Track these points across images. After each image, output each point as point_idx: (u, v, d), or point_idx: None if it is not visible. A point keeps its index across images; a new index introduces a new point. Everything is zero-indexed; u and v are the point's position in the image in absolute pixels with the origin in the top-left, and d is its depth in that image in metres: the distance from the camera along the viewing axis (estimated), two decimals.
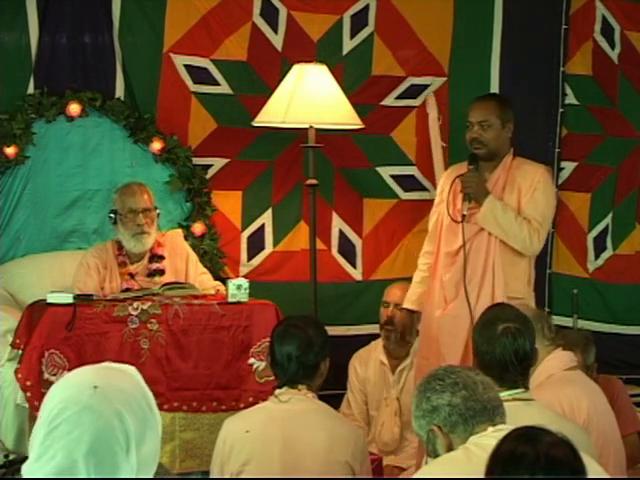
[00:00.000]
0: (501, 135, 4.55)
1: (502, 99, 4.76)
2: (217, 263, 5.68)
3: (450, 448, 2.60)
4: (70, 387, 1.96)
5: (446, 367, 2.77)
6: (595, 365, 4.71)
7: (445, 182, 4.73)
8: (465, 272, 4.48)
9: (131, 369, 2.05)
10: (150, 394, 2.02)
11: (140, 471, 1.95)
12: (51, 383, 4.29)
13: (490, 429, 2.58)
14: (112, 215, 4.95)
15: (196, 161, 5.68)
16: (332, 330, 5.41)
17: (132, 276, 4.92)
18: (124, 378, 2.00)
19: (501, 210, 4.47)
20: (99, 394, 1.93)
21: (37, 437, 1.93)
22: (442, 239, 4.62)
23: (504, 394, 2.99)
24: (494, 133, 4.53)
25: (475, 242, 4.53)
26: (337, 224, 6.02)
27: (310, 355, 3.55)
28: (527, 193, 4.52)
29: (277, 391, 3.54)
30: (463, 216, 4.50)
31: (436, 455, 2.63)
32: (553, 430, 2.18)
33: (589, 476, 2.17)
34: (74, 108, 5.43)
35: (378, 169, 6.07)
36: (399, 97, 6.06)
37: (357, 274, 6.07)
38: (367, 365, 5.28)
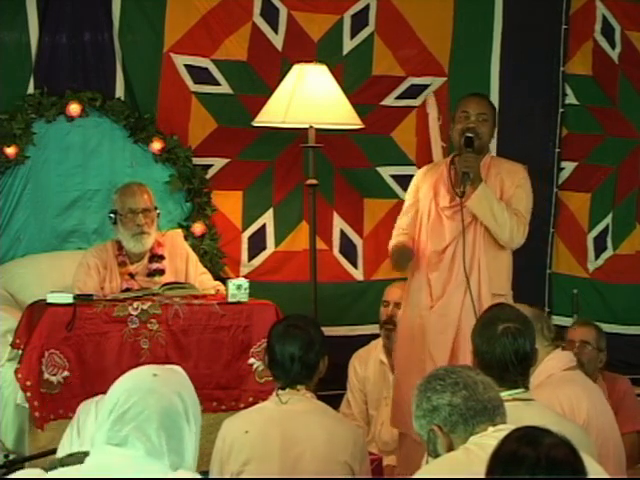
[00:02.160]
0: (490, 134, 4.63)
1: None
2: (217, 263, 5.67)
3: (450, 448, 2.60)
4: (131, 379, 2.22)
5: (446, 367, 2.77)
6: (605, 354, 4.78)
7: (421, 180, 4.70)
8: (464, 263, 4.47)
9: (177, 367, 2.32)
10: (193, 388, 2.28)
11: (196, 451, 2.21)
12: (51, 383, 4.31)
13: (490, 429, 2.58)
14: (112, 215, 4.95)
15: (196, 161, 5.68)
16: (333, 330, 5.45)
17: (132, 276, 4.92)
18: (174, 373, 2.28)
19: (494, 197, 4.49)
20: (159, 379, 2.20)
21: (104, 425, 2.16)
22: (426, 238, 4.59)
23: (504, 394, 2.99)
24: (487, 129, 4.60)
25: (462, 239, 4.52)
26: (338, 224, 6.02)
27: (311, 354, 3.54)
28: (510, 189, 4.57)
29: (279, 392, 3.53)
30: (463, 192, 4.48)
31: (437, 455, 2.63)
32: (554, 431, 2.18)
33: (589, 476, 2.17)
34: (74, 108, 5.42)
35: (378, 169, 6.07)
36: (399, 97, 6.07)
37: (358, 274, 6.07)
38: (367, 364, 5.27)
